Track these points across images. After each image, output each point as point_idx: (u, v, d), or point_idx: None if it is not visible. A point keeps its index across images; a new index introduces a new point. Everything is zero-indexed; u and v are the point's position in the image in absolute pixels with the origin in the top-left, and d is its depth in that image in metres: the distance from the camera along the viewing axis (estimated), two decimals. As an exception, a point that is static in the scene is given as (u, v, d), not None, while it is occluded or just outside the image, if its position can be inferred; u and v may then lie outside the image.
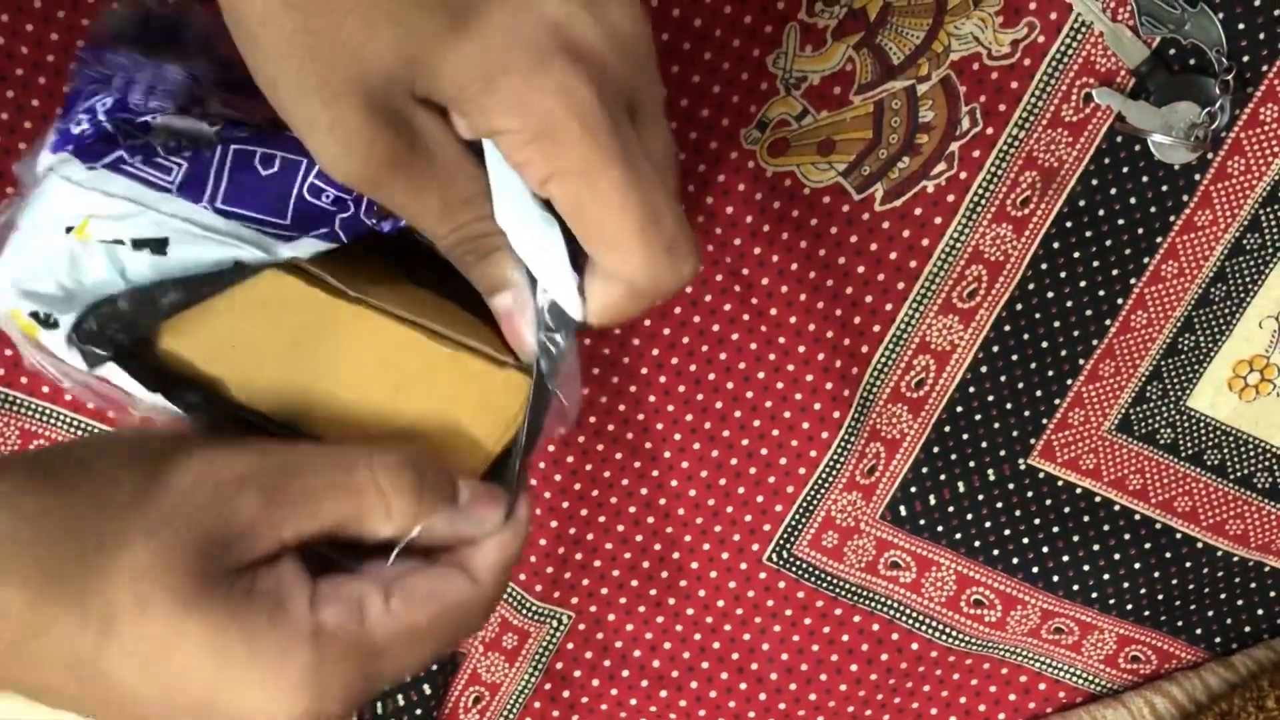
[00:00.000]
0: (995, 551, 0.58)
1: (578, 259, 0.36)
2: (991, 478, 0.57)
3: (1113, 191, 0.53)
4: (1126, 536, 0.57)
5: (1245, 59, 0.50)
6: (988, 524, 0.58)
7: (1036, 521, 0.58)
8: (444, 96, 0.32)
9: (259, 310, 0.38)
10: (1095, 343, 0.55)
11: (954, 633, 0.59)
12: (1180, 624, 0.59)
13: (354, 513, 0.36)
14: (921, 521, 0.58)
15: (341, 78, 0.31)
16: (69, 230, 0.37)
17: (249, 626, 0.32)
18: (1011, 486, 0.57)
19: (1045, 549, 0.58)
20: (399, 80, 0.32)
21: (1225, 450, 0.56)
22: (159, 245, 0.37)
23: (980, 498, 0.57)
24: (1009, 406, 0.56)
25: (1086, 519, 0.57)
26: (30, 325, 0.38)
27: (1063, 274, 0.54)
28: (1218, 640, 0.60)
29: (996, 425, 0.56)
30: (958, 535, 0.58)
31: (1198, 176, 0.52)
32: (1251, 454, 0.56)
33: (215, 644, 0.32)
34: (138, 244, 0.37)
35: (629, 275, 0.34)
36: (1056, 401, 0.56)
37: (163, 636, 0.32)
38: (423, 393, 0.40)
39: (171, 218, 0.37)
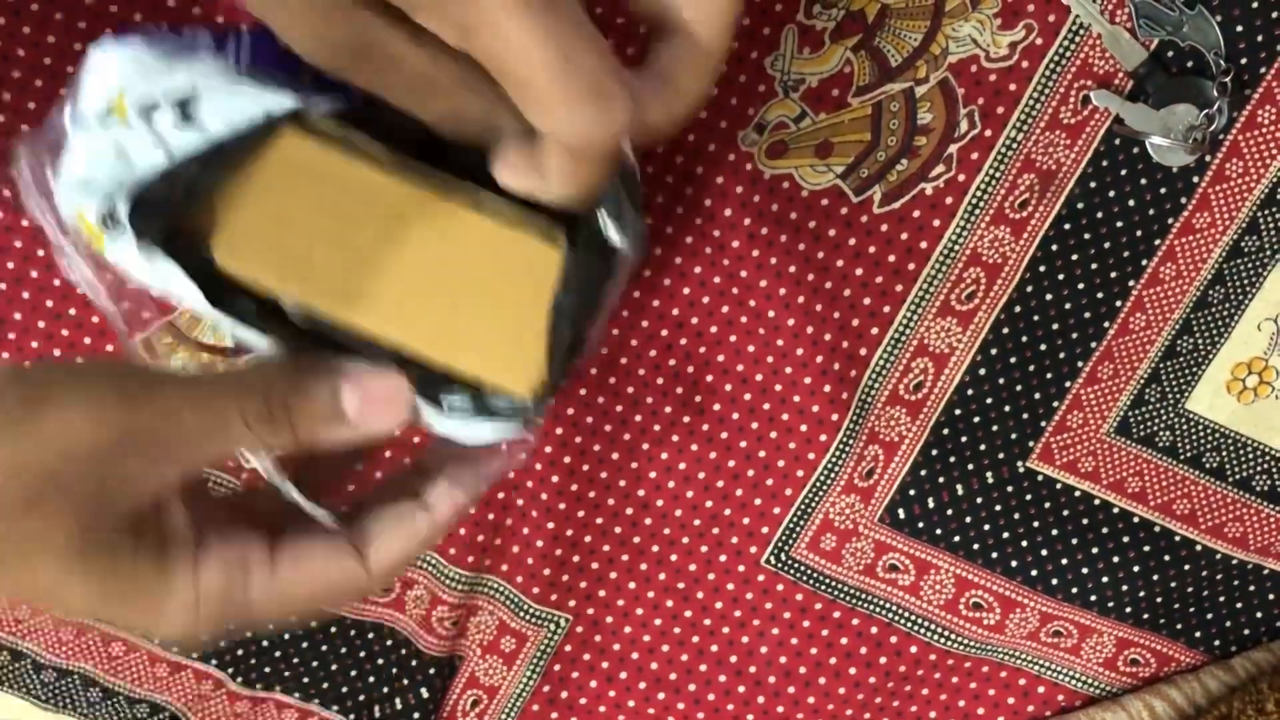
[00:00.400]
0: (994, 554, 0.58)
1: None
2: (990, 480, 0.57)
3: (1111, 194, 0.52)
4: (1125, 539, 0.57)
5: (1243, 61, 0.50)
6: (986, 527, 0.58)
7: (1035, 524, 0.57)
8: None
9: (299, 186, 0.38)
10: (1094, 345, 0.55)
11: (953, 636, 0.59)
12: (1179, 627, 0.59)
13: (225, 449, 0.36)
14: (920, 524, 0.58)
15: None
16: (109, 113, 0.37)
17: (130, 586, 0.35)
18: (1010, 489, 0.57)
19: (1044, 552, 0.58)
20: None
21: (1224, 453, 0.56)
22: (189, 105, 0.37)
23: (979, 500, 0.57)
24: (1007, 409, 0.56)
25: (1085, 522, 0.57)
26: (96, 232, 0.38)
27: (1061, 276, 0.54)
28: (1217, 643, 0.59)
29: (995, 428, 0.56)
30: (956, 538, 0.58)
31: (1196, 179, 0.52)
32: (1250, 456, 0.56)
33: (99, 596, 0.34)
34: (173, 104, 0.37)
35: (555, 128, 0.33)
36: (1055, 404, 0.56)
37: (49, 588, 0.34)
38: (477, 272, 0.39)
39: (201, 75, 0.37)
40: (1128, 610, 0.58)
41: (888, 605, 0.59)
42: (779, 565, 0.58)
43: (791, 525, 0.58)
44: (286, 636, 0.61)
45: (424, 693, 0.61)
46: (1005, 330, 0.55)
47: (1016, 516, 0.57)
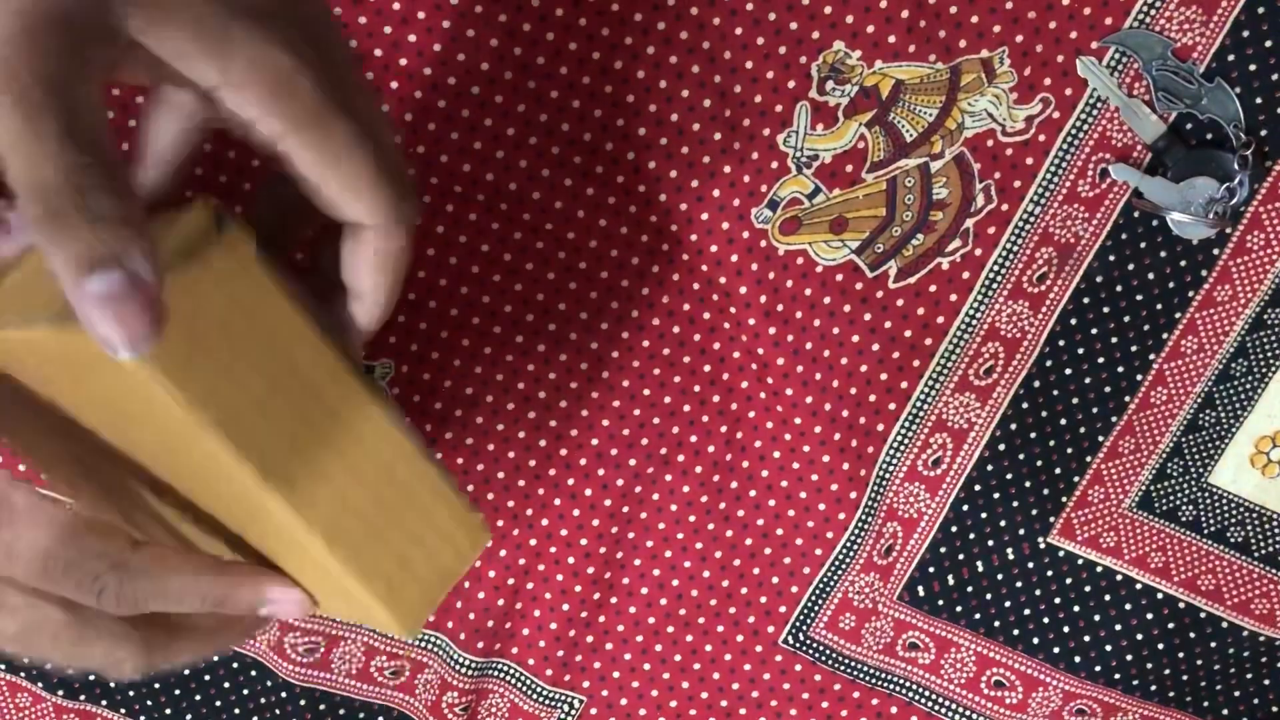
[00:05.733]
0: (1015, 631, 0.57)
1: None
2: (1011, 556, 0.56)
3: (1130, 267, 0.52)
4: (1149, 616, 0.56)
5: (1263, 133, 0.50)
6: (1007, 604, 0.57)
7: (1057, 601, 0.56)
8: (164, 38, 0.31)
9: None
10: (1114, 419, 0.54)
11: (974, 715, 0.58)
12: (1206, 705, 0.58)
13: None
14: (940, 602, 0.57)
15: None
16: None
17: None
18: (1031, 565, 0.56)
19: (1066, 629, 0.57)
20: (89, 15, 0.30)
21: (1249, 527, 0.55)
22: None
23: (999, 577, 0.56)
24: (1028, 484, 0.55)
25: (1108, 598, 0.56)
26: None
27: (1081, 350, 0.53)
28: (1245, 721, 0.58)
29: (1015, 503, 0.55)
30: (977, 615, 0.57)
31: (1216, 251, 0.51)
32: (1276, 531, 0.55)
33: None
34: None
35: (377, 217, 0.34)
36: (1076, 479, 0.55)
37: None
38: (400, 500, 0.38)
39: None
40: (1153, 688, 0.57)
41: (908, 685, 0.58)
42: (797, 645, 0.57)
43: (810, 604, 0.57)
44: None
45: (433, 776, 0.60)
46: (1025, 405, 0.54)
47: (1038, 593, 0.56)
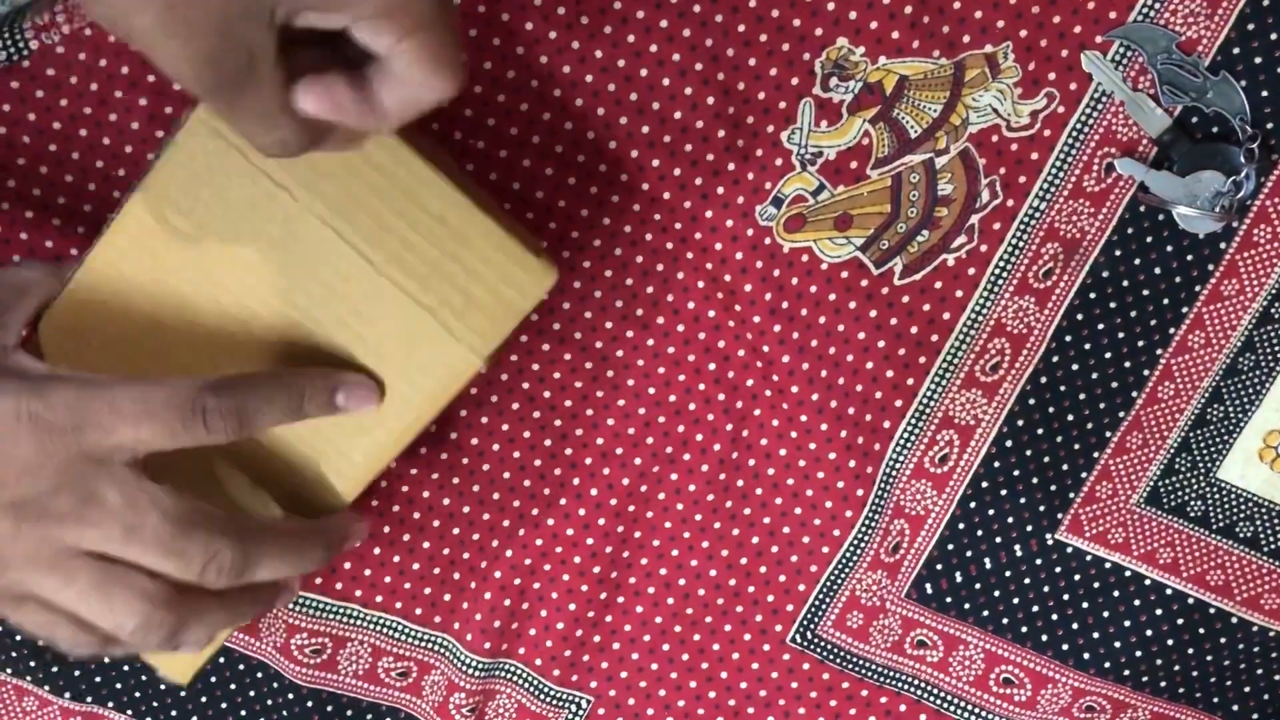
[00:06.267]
0: (1024, 628, 0.57)
1: None
2: (1019, 553, 0.56)
3: (1136, 262, 0.52)
4: (1158, 612, 0.56)
5: (1269, 126, 0.50)
6: (1015, 600, 0.56)
7: (1065, 597, 0.56)
8: (310, 9, 0.35)
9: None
10: (1122, 415, 0.54)
11: (983, 712, 0.58)
12: (1216, 700, 0.58)
13: None
14: (948, 599, 0.56)
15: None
16: None
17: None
18: (1039, 562, 0.56)
19: (1075, 625, 0.56)
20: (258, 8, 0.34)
21: (1258, 522, 0.55)
22: None
23: (1007, 574, 0.56)
24: (1035, 481, 0.55)
25: (1116, 594, 0.56)
26: None
27: (1087, 346, 0.53)
28: (1255, 717, 0.58)
29: (1023, 500, 0.55)
30: (985, 612, 0.56)
31: (1223, 245, 0.51)
32: (1285, 526, 0.55)
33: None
34: None
35: (447, 90, 0.37)
36: (1083, 475, 0.55)
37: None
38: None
39: None
40: (1162, 684, 0.57)
41: (916, 682, 0.58)
42: (805, 644, 0.57)
43: (817, 602, 0.56)
44: (300, 722, 0.60)
45: (441, 777, 0.60)
46: (1031, 401, 0.54)
47: (1046, 589, 0.56)
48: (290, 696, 0.59)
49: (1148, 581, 0.56)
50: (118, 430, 0.39)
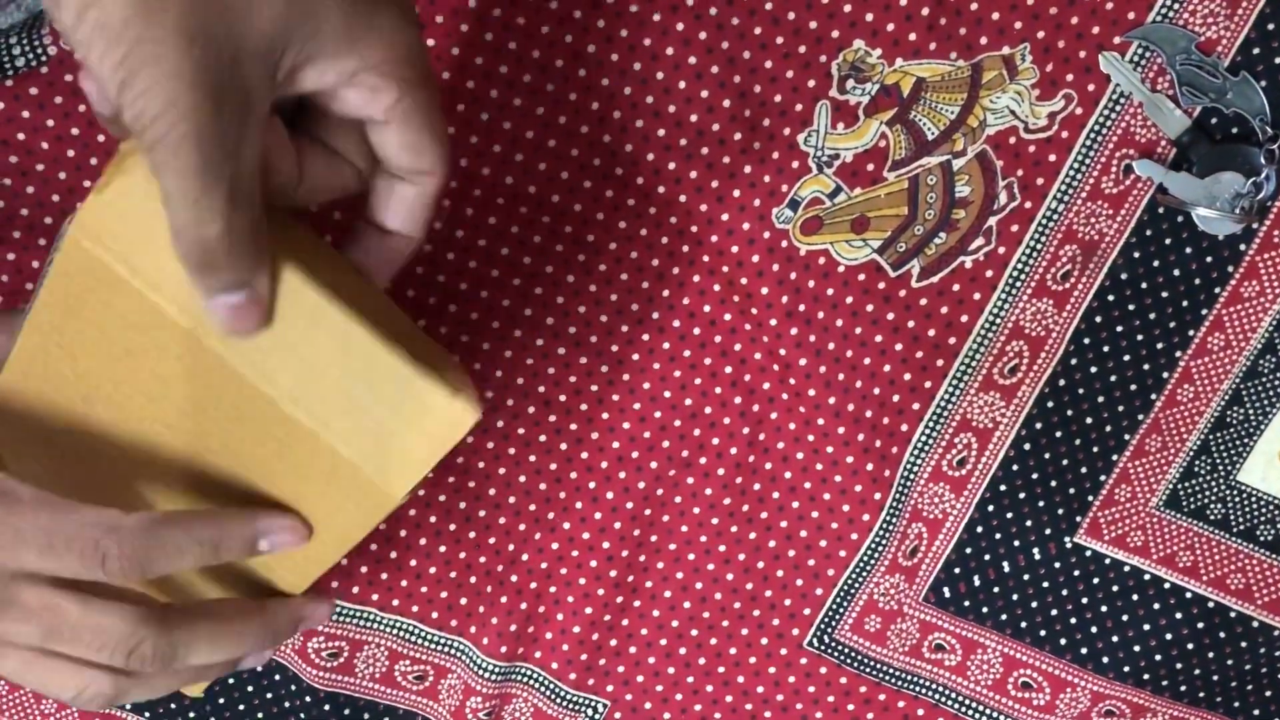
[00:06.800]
0: (1042, 632, 0.56)
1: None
2: (1037, 556, 0.55)
3: (1155, 264, 0.51)
4: (1178, 615, 0.56)
5: (1289, 127, 0.49)
6: (1034, 604, 0.56)
7: (1084, 601, 0.56)
8: (321, 57, 0.34)
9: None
10: (1141, 418, 0.53)
11: (1001, 716, 0.58)
12: (1236, 705, 0.57)
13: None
14: (966, 603, 0.56)
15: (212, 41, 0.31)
16: None
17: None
18: (1058, 565, 0.56)
19: (1094, 629, 0.56)
20: (264, 55, 0.33)
21: (1279, 525, 0.55)
22: None
23: (1026, 577, 0.56)
24: (1053, 484, 0.54)
25: (1135, 598, 0.56)
26: None
27: (1106, 348, 0.52)
28: (1276, 722, 0.58)
29: (1041, 503, 0.55)
30: (1003, 616, 0.56)
31: (1243, 247, 0.51)
32: (1306, 529, 0.55)
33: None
34: None
35: (443, 165, 0.38)
36: (1102, 478, 0.54)
37: None
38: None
39: None
40: (1182, 689, 0.57)
41: (934, 686, 0.58)
42: (822, 648, 0.57)
43: (835, 607, 0.56)
44: (317, 726, 0.60)
45: (458, 780, 0.60)
46: (1050, 404, 0.53)
47: (1065, 593, 0.56)
48: (308, 699, 0.59)
49: (1167, 585, 0.56)
50: (23, 558, 0.39)
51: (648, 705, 0.58)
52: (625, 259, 0.52)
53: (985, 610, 0.56)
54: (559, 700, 0.58)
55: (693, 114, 0.49)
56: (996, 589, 0.56)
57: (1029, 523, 0.55)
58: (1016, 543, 0.55)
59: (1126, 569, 0.55)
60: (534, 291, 0.52)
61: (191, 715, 0.60)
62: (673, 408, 0.54)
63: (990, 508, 0.55)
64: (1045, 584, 0.56)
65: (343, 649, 0.58)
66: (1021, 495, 0.55)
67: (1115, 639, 0.56)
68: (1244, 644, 0.56)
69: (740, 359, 0.53)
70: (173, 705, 0.60)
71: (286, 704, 0.60)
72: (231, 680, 0.59)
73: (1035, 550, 0.55)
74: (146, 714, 0.60)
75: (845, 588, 0.56)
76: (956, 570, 0.56)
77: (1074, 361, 0.53)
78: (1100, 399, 0.53)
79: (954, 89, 0.49)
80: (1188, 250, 0.51)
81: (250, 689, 0.59)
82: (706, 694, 0.58)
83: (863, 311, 0.52)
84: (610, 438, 0.54)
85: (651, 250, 0.52)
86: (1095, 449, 0.54)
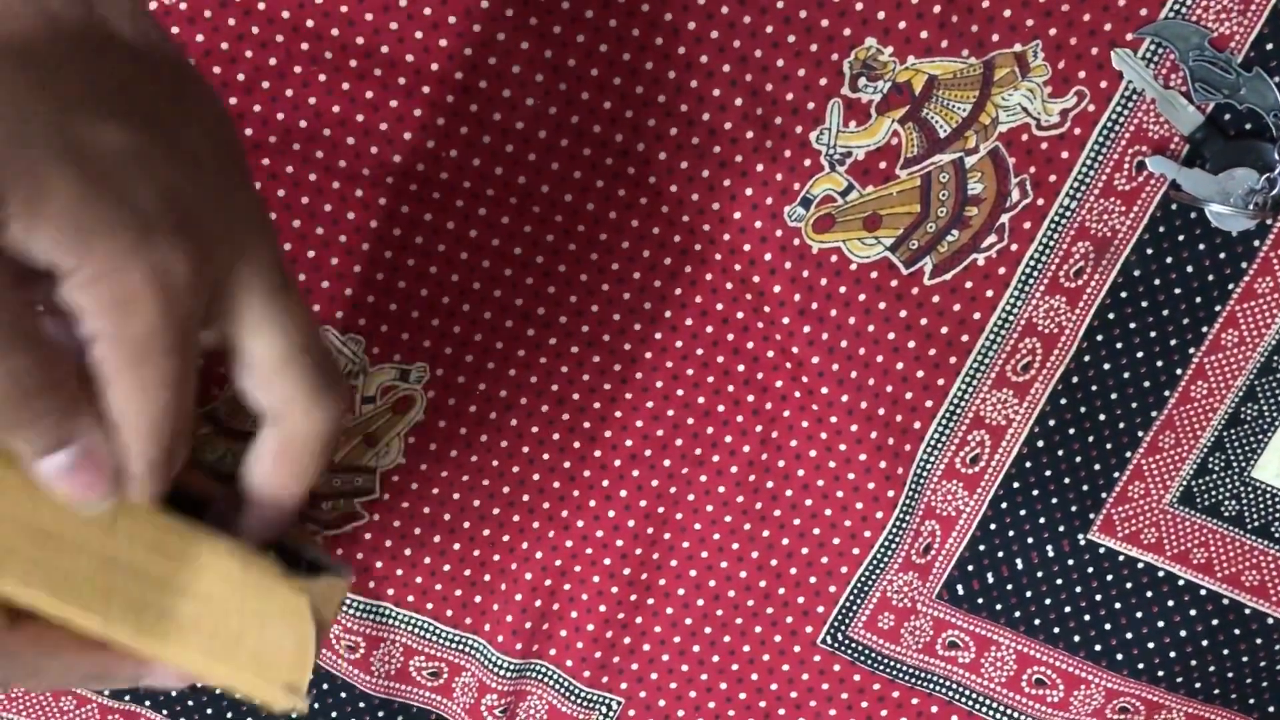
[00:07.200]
0: (1056, 629, 0.56)
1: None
2: (1050, 554, 0.55)
3: (1168, 260, 0.51)
4: (1192, 612, 0.56)
5: (1303, 123, 0.49)
6: (1047, 601, 0.56)
7: (1098, 598, 0.56)
8: (34, 231, 0.28)
9: None
10: (1154, 414, 0.53)
11: (1016, 714, 0.58)
12: (1252, 702, 0.57)
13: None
14: (979, 600, 0.56)
15: None
16: None
17: None
18: (1071, 562, 0.55)
19: (1108, 626, 0.56)
20: None
21: (1293, 522, 0.55)
22: None
23: (1039, 574, 0.56)
24: (1067, 481, 0.54)
25: (1150, 594, 0.56)
26: None
27: (1119, 345, 0.52)
28: (1291, 718, 0.58)
29: (1054, 500, 0.55)
30: (1017, 613, 0.56)
31: (1257, 243, 0.51)
32: (1321, 526, 0.55)
33: None
34: None
35: (311, 415, 0.35)
36: (1116, 475, 0.54)
37: None
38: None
39: None
40: (1197, 686, 0.56)
41: (948, 684, 0.58)
42: (836, 645, 0.57)
43: (848, 604, 0.56)
44: (333, 723, 0.60)
45: (473, 778, 0.60)
46: (1063, 401, 0.53)
47: (1079, 590, 0.56)
48: (347, 695, 0.60)
49: (1181, 582, 0.56)
50: None
51: (661, 702, 0.58)
52: (638, 258, 0.52)
53: (999, 607, 0.56)
54: (573, 697, 0.59)
55: (705, 113, 0.50)
56: (1010, 586, 0.56)
57: (1042, 520, 0.55)
58: (1030, 540, 0.55)
59: (1140, 566, 0.55)
60: (547, 290, 0.52)
61: (209, 713, 0.60)
62: (685, 406, 0.54)
63: (1003, 505, 0.55)
64: (1059, 581, 0.56)
65: (358, 645, 0.58)
66: (1035, 492, 0.55)
67: (1129, 636, 0.56)
68: (1259, 640, 0.56)
69: (753, 357, 0.53)
70: (190, 702, 0.60)
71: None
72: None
73: (1049, 547, 0.55)
74: (164, 712, 0.60)
75: (859, 585, 0.56)
76: (970, 567, 0.56)
77: (1087, 358, 0.53)
78: (1113, 395, 0.53)
79: (966, 86, 0.49)
80: (1201, 246, 0.51)
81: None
82: (720, 691, 0.58)
83: (875, 309, 0.52)
84: (623, 436, 0.55)
85: (664, 249, 0.52)
86: (1109, 446, 0.54)
